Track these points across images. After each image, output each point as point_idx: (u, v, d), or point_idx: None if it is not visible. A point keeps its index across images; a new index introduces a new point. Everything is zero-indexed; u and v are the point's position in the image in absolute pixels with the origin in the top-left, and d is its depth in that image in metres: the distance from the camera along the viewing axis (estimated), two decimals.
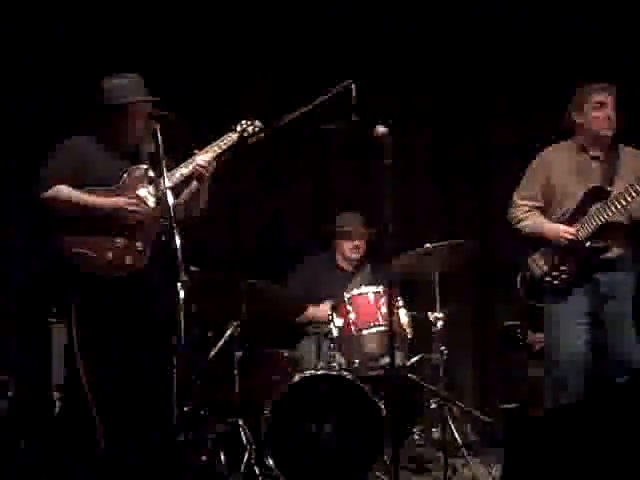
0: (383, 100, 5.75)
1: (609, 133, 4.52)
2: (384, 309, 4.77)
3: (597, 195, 4.47)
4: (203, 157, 4.21)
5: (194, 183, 4.27)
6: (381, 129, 3.81)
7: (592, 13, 5.85)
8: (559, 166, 4.61)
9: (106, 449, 4.00)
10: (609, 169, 4.51)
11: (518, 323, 5.75)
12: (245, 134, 4.39)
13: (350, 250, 5.51)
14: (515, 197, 4.70)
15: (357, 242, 5.49)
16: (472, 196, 6.26)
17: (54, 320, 4.99)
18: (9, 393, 4.85)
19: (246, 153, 4.50)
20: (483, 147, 6.27)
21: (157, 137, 3.98)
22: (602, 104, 4.50)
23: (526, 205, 4.64)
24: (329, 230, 5.60)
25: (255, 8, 5.93)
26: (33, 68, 5.57)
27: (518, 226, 4.66)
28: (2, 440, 4.70)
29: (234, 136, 4.37)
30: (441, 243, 4.91)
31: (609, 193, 4.44)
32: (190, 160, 4.22)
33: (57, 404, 4.90)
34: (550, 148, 4.70)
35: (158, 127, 3.99)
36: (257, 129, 4.41)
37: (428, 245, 4.88)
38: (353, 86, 4.03)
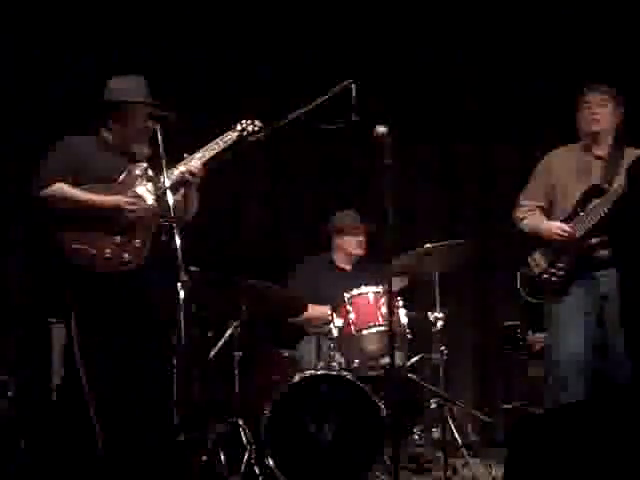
0: (383, 100, 5.75)
1: (595, 129, 4.54)
2: (384, 309, 4.77)
3: (595, 194, 4.47)
4: (194, 163, 4.19)
5: (182, 189, 4.23)
6: (381, 129, 3.80)
7: (591, 15, 5.86)
8: (562, 166, 4.63)
9: (106, 449, 4.00)
10: (610, 168, 4.52)
11: (518, 323, 5.75)
12: (245, 133, 4.38)
13: (355, 245, 5.49)
14: (519, 198, 4.73)
15: (361, 238, 5.49)
16: (472, 196, 6.26)
17: (54, 320, 4.99)
18: (9, 393, 4.85)
19: (246, 153, 4.50)
20: (483, 147, 6.27)
21: (157, 137, 3.99)
22: (587, 102, 4.55)
23: (527, 205, 4.68)
24: (329, 230, 5.59)
25: (255, 8, 5.93)
26: (34, 67, 5.58)
27: (519, 225, 4.69)
28: (2, 440, 4.69)
29: (234, 134, 4.37)
30: (441, 243, 4.91)
31: (607, 191, 4.44)
32: (180, 164, 4.20)
33: (57, 404, 4.91)
34: (557, 149, 4.72)
35: (158, 127, 4.00)
36: (257, 128, 4.40)
37: (428, 245, 4.88)
38: (353, 86, 4.02)
